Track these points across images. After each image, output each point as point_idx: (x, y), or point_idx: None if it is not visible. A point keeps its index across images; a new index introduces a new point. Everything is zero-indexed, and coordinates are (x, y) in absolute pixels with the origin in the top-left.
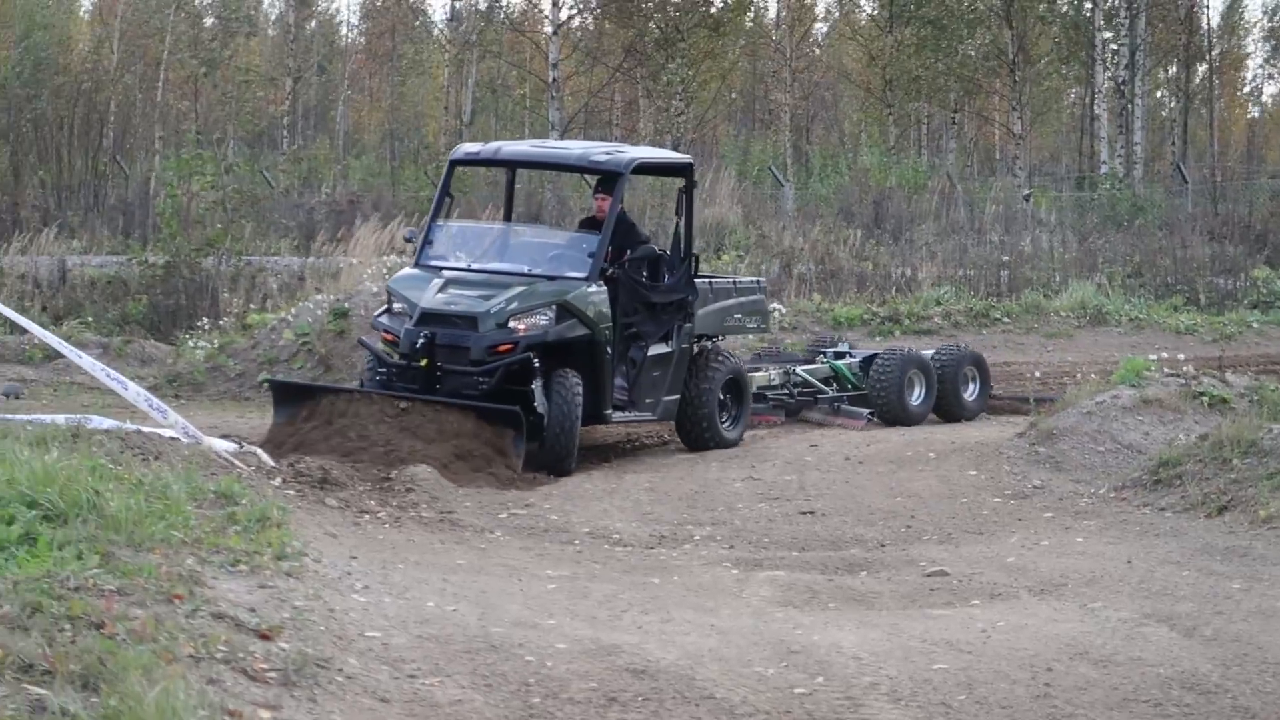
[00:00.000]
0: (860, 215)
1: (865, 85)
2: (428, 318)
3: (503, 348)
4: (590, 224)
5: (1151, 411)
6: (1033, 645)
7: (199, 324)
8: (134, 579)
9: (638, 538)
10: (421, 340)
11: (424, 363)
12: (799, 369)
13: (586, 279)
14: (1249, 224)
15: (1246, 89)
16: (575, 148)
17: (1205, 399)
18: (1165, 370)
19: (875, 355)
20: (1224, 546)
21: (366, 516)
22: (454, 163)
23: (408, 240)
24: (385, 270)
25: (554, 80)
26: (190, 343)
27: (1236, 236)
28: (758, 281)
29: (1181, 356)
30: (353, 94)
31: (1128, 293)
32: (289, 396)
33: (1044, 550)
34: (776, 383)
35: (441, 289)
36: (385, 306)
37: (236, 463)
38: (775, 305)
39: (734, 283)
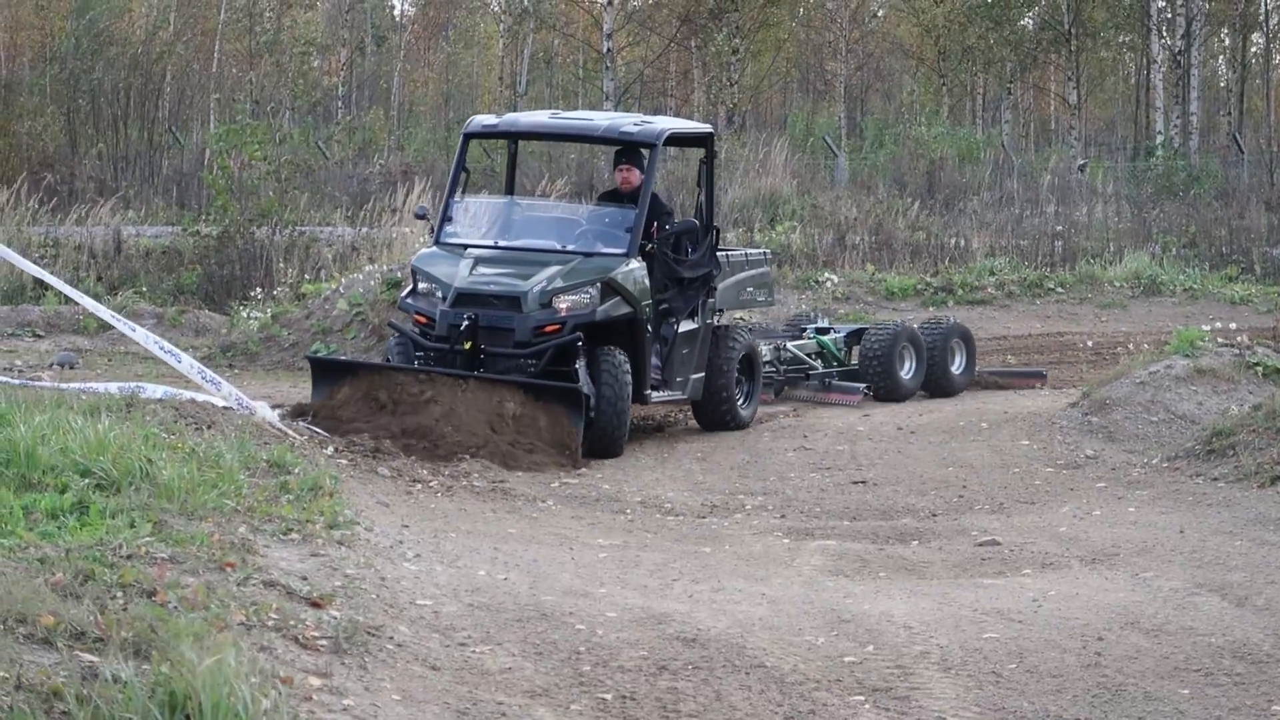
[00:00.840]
0: (914, 186)
1: (919, 56)
2: (464, 298)
3: (549, 328)
4: (611, 197)
5: (1205, 381)
6: (1084, 614)
7: (253, 294)
8: (186, 547)
9: (689, 507)
10: (465, 322)
11: (468, 346)
12: (789, 344)
13: (626, 255)
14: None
15: None
16: (599, 119)
17: (1259, 369)
18: (1219, 340)
19: (860, 330)
20: (1277, 517)
21: (418, 486)
22: (468, 135)
23: (419, 217)
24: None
25: (608, 50)
26: (244, 313)
27: None
28: (764, 253)
29: (1235, 326)
30: (408, 65)
31: (1182, 263)
32: (328, 374)
33: (1096, 520)
34: (767, 358)
35: (474, 268)
36: (410, 287)
37: (290, 432)
38: (829, 275)
39: (745, 255)
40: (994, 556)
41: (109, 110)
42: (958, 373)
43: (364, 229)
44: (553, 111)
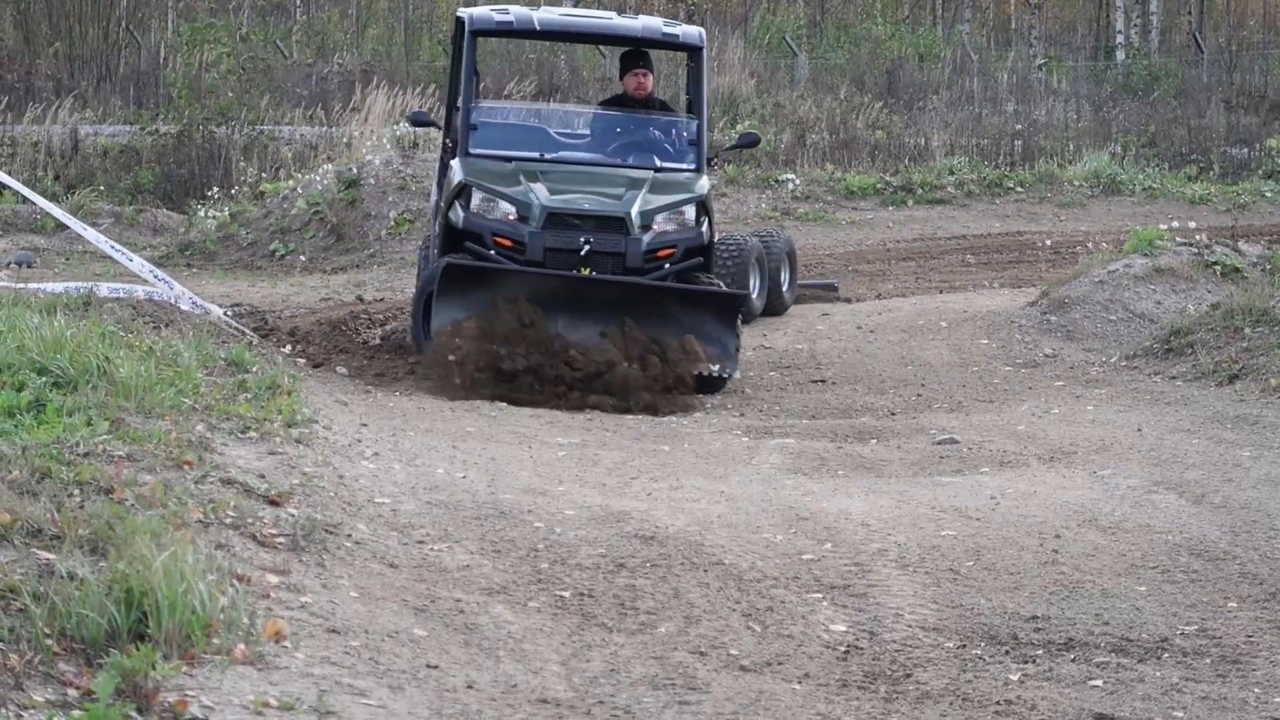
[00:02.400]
0: (874, 85)
1: None
2: (556, 219)
3: (663, 252)
4: (619, 102)
5: (1164, 280)
6: (1041, 512)
7: (210, 193)
8: (143, 445)
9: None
10: (586, 247)
11: (586, 271)
12: None
13: (696, 170)
14: (1265, 94)
15: None
16: (630, 19)
17: (1218, 268)
18: (1178, 239)
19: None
20: (1234, 415)
21: (377, 383)
22: (477, 32)
23: (420, 123)
24: (393, 140)
25: None
26: (202, 212)
27: (1252, 107)
28: None
29: (1194, 225)
30: None
31: (1142, 163)
32: (464, 284)
33: (1054, 418)
34: None
35: (551, 185)
36: (459, 204)
37: (247, 331)
38: (789, 175)
39: None
40: (952, 455)
41: (64, 8)
42: (786, 291)
43: (323, 128)
44: (567, 10)
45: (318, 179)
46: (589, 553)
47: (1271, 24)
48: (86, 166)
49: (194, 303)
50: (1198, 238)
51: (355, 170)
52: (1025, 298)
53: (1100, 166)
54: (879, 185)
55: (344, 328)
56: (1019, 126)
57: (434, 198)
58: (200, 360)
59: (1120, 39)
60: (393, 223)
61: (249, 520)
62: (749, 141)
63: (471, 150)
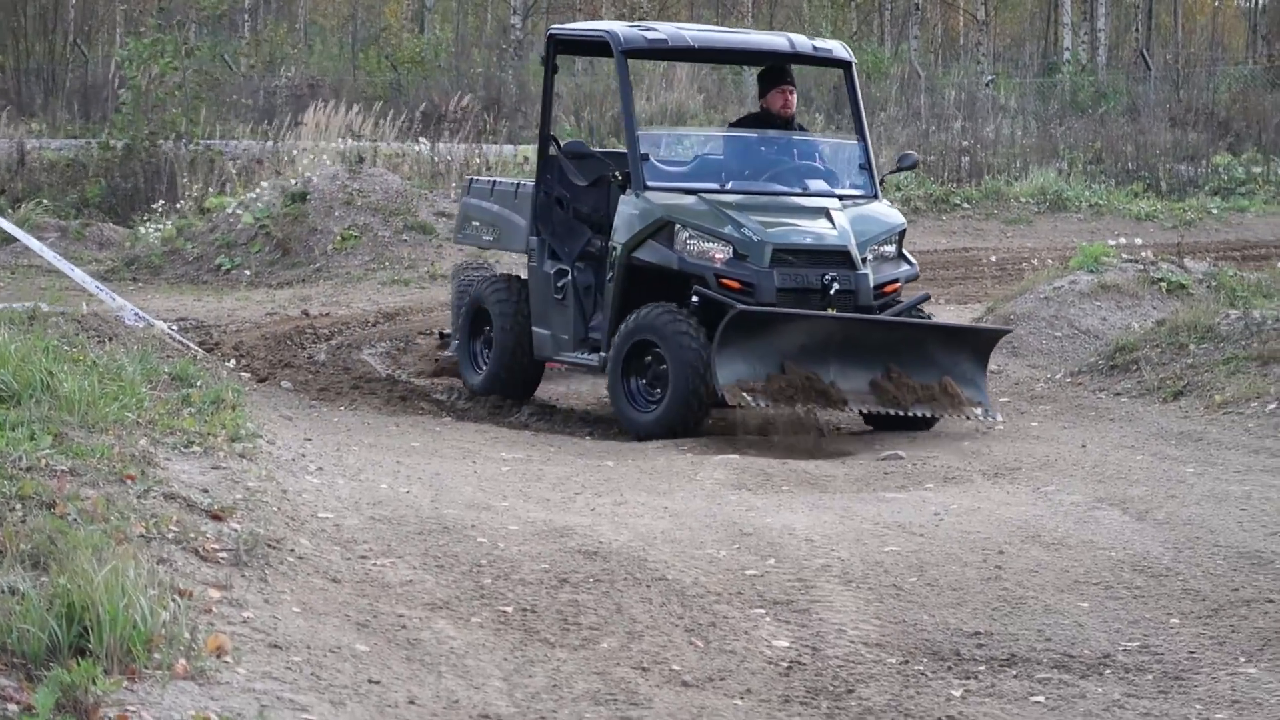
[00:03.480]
0: (821, 101)
1: None
2: (784, 255)
3: (890, 287)
4: (760, 122)
5: (1109, 297)
6: (985, 528)
7: (155, 207)
8: (86, 459)
9: (591, 419)
10: (835, 286)
11: (832, 311)
12: None
13: (873, 196)
14: (1211, 111)
15: None
16: (776, 35)
17: (1163, 285)
18: (1124, 256)
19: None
20: (1178, 431)
21: (322, 398)
22: (627, 53)
23: (577, 155)
24: (339, 155)
25: None
26: (147, 227)
27: (1199, 123)
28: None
29: (1140, 242)
30: None
31: (1088, 179)
32: (748, 332)
33: (998, 434)
34: None
35: (763, 219)
36: (658, 241)
37: (192, 345)
38: None
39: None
40: (896, 470)
41: (9, 22)
42: None
43: (269, 143)
44: (704, 27)
45: (264, 194)
46: (532, 568)
47: (1219, 41)
48: (33, 180)
49: (138, 317)
50: (1143, 254)
51: (301, 185)
52: (971, 314)
53: (1047, 183)
54: None
55: (289, 342)
56: (966, 143)
57: (529, 233)
58: (144, 375)
59: (1068, 55)
60: (339, 238)
61: (191, 535)
62: (909, 164)
63: (649, 183)
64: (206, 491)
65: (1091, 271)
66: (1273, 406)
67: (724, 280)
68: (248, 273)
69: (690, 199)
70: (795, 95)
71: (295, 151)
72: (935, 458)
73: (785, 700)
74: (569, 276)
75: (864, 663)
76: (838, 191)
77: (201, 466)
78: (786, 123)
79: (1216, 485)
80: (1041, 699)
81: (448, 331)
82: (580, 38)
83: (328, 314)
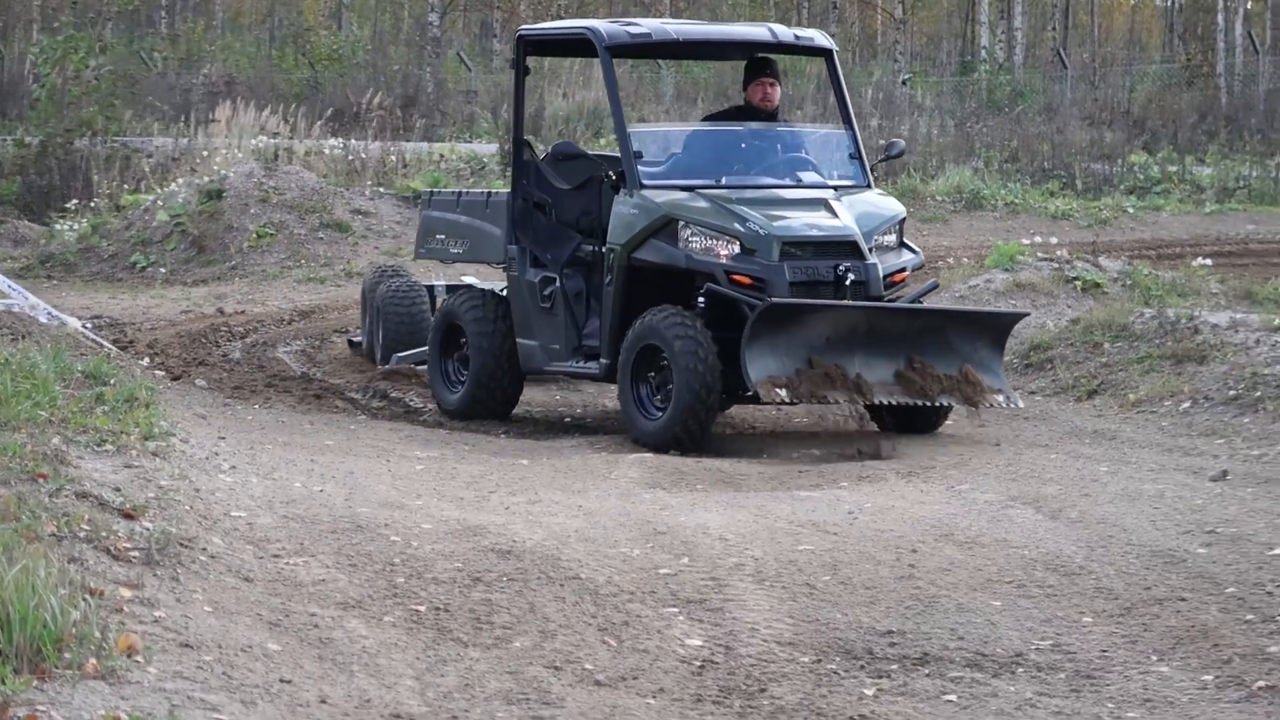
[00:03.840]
0: (737, 99)
1: None
2: (793, 248)
3: (897, 276)
4: (741, 115)
5: (1024, 295)
6: (899, 527)
7: (70, 205)
8: None
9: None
10: (850, 277)
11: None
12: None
13: (867, 185)
14: (1128, 110)
15: None
16: (755, 26)
17: (1078, 283)
18: (1039, 254)
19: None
20: (1092, 430)
21: (236, 396)
22: (614, 50)
23: (567, 156)
24: (255, 152)
25: None
26: (62, 224)
27: (1115, 122)
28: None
29: (1055, 241)
30: None
31: (1004, 177)
32: (775, 326)
33: (912, 432)
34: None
35: (763, 212)
36: (661, 240)
37: (105, 343)
38: None
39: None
40: (811, 469)
41: None
42: None
43: (185, 140)
44: (684, 21)
45: (179, 191)
46: (445, 567)
47: (1136, 40)
48: None
49: (51, 315)
50: (1059, 253)
51: (217, 183)
52: None
53: (963, 181)
54: None
55: (204, 340)
56: (883, 141)
57: (506, 241)
58: (57, 372)
59: (985, 54)
60: (254, 235)
61: (103, 534)
62: (896, 152)
63: (645, 182)
64: (119, 490)
65: (1007, 270)
66: (1186, 405)
67: (734, 276)
68: (163, 270)
69: (690, 195)
70: (778, 88)
71: (211, 149)
72: (847, 460)
73: (698, 699)
74: (557, 284)
75: (777, 661)
76: (830, 182)
77: (114, 465)
78: (769, 116)
79: (1130, 484)
80: (954, 698)
81: (356, 339)
82: (555, 37)
83: (243, 312)
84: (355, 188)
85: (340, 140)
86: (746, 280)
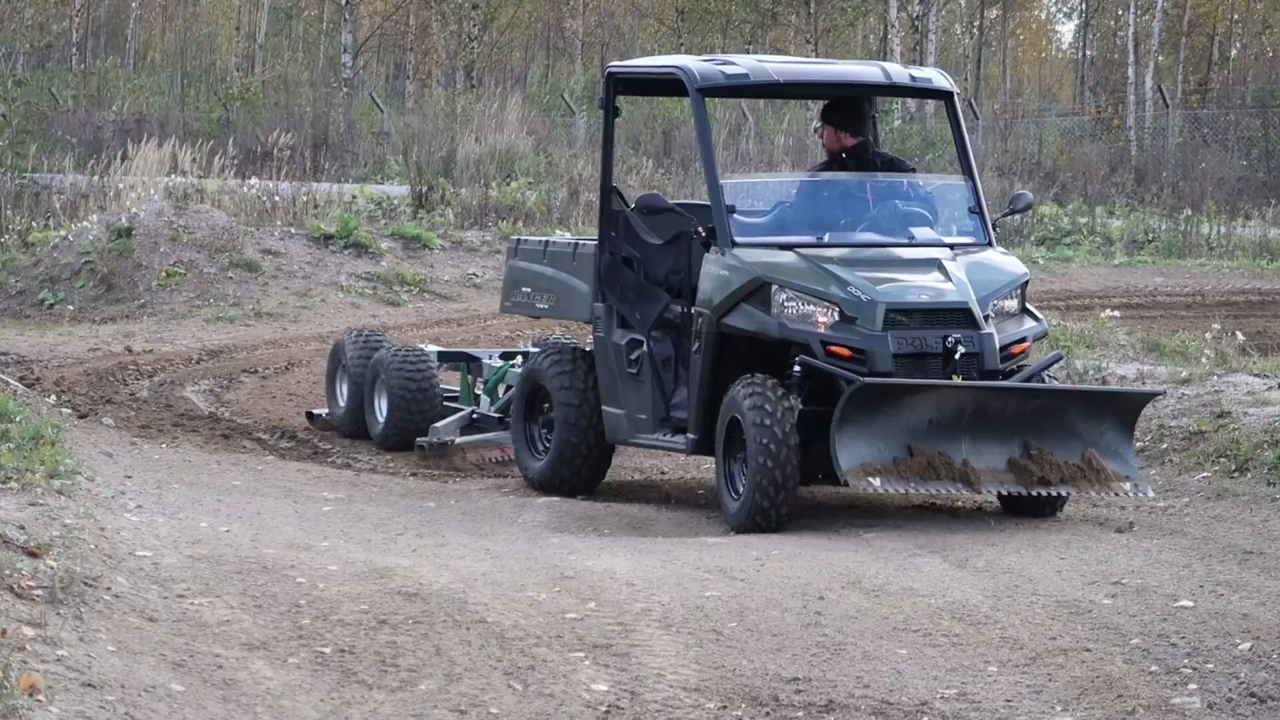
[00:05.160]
0: (649, 145)
1: (659, 16)
2: (899, 316)
3: (1017, 348)
4: (843, 163)
5: None
6: (806, 574)
7: None
8: None
9: (412, 461)
10: (960, 350)
11: (957, 378)
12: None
13: (987, 244)
14: (1038, 161)
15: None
16: (863, 66)
17: None
18: None
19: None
20: None
21: (144, 435)
22: (704, 92)
23: (655, 209)
24: (165, 191)
25: (348, 2)
26: None
27: (1026, 173)
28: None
29: None
30: (144, 12)
31: None
32: (869, 408)
33: (822, 480)
34: None
35: (870, 276)
36: (753, 305)
37: (11, 381)
38: (562, 232)
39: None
40: (719, 515)
41: None
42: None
43: (95, 177)
44: (784, 59)
45: (89, 229)
46: (351, 609)
47: (1047, 91)
48: None
49: None
50: None
51: (127, 221)
52: None
53: None
54: None
55: (111, 379)
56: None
57: (593, 299)
58: None
59: (896, 103)
60: (164, 274)
61: (6, 572)
62: (1023, 205)
63: (737, 239)
64: (23, 528)
65: None
66: None
67: (831, 347)
68: (71, 308)
69: (786, 255)
70: (848, 137)
71: (122, 186)
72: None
73: None
74: (644, 347)
75: (682, 707)
76: (947, 240)
77: (19, 503)
78: (854, 157)
79: (1036, 534)
80: None
81: (317, 411)
82: (644, 76)
83: (151, 350)
84: (266, 227)
85: (251, 179)
86: (845, 352)
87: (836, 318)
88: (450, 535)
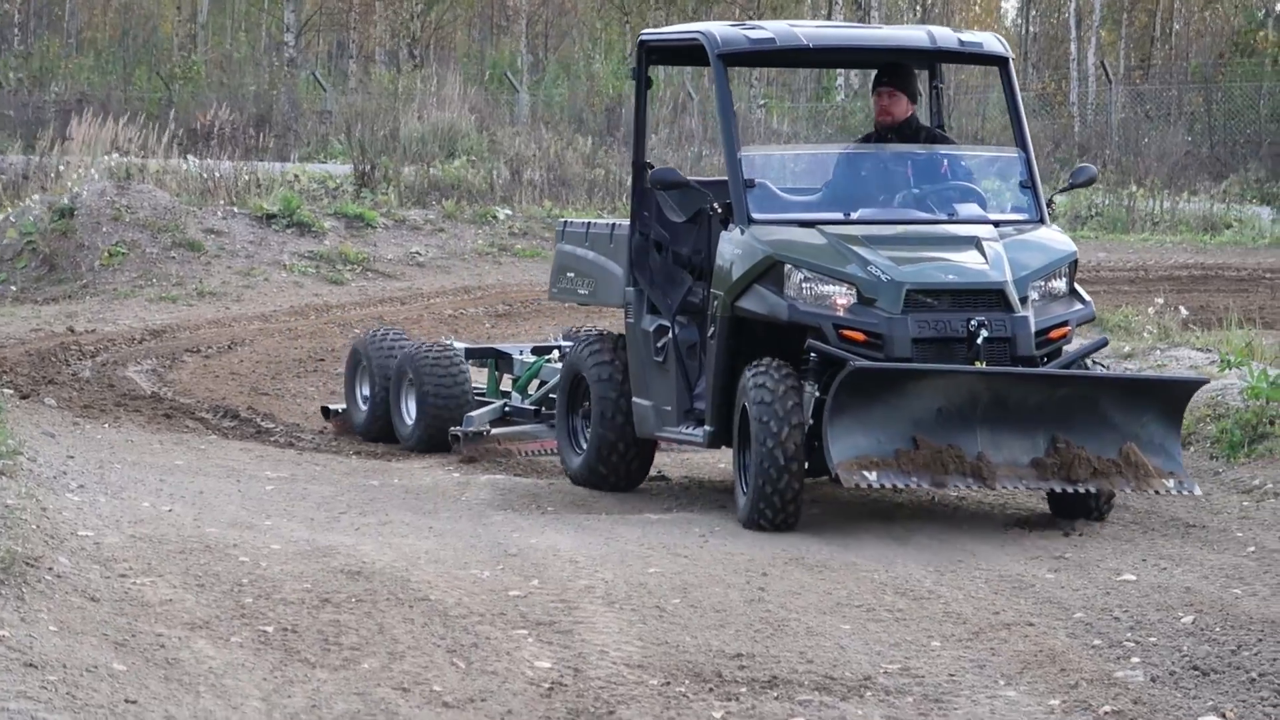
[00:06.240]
0: (592, 123)
1: None
2: (920, 298)
3: (1056, 333)
4: (870, 137)
5: None
6: (749, 550)
7: None
8: None
9: (358, 437)
10: (983, 333)
11: (980, 364)
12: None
13: (1039, 221)
14: (981, 137)
15: (983, 2)
16: (907, 30)
17: None
18: None
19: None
20: None
21: (86, 415)
22: (726, 59)
23: (668, 185)
24: (107, 170)
25: None
26: None
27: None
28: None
29: None
30: None
31: None
32: (866, 395)
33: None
34: None
35: (893, 255)
36: (765, 286)
37: None
38: (503, 210)
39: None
40: (663, 492)
41: None
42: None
43: (36, 157)
44: (810, 22)
45: (31, 208)
46: (294, 587)
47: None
48: None
49: None
50: None
51: (69, 200)
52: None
53: None
54: None
55: (54, 359)
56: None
57: (626, 282)
58: None
59: (841, 81)
60: (106, 254)
61: None
62: (1085, 179)
63: (755, 215)
64: None
65: None
66: None
67: (845, 331)
68: (13, 288)
69: (806, 232)
70: (901, 99)
71: (63, 166)
72: (701, 479)
73: None
74: (670, 334)
75: (625, 684)
76: (994, 216)
77: None
78: (898, 131)
79: (979, 509)
80: None
81: (334, 406)
82: (674, 44)
83: (94, 330)
84: (208, 207)
85: (194, 159)
86: (859, 336)
87: (855, 299)
88: (393, 513)
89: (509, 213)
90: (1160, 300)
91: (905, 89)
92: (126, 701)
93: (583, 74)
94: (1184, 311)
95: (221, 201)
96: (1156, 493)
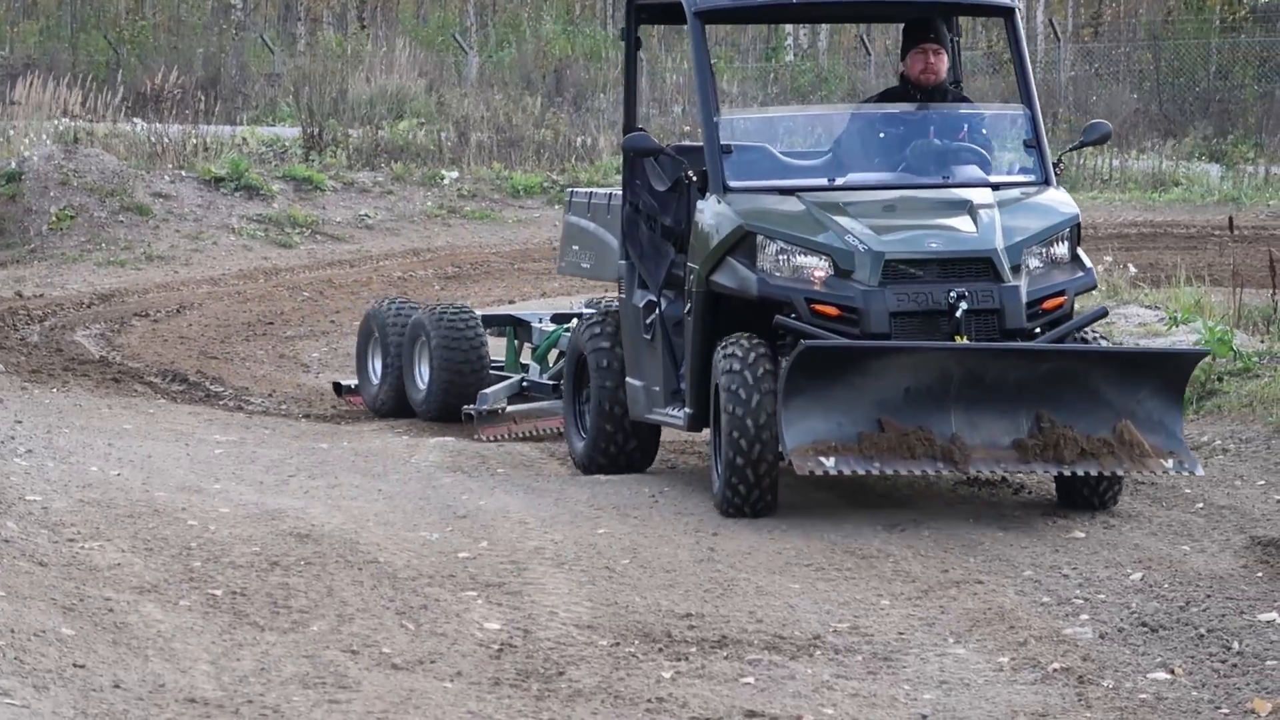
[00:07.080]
0: (541, 84)
1: None
2: (898, 268)
3: (1050, 302)
4: (899, 95)
5: None
6: (698, 510)
7: None
8: None
9: (308, 400)
10: (962, 305)
11: (961, 339)
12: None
13: (1044, 182)
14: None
15: None
16: None
17: None
18: None
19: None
20: None
21: (34, 380)
22: (703, 16)
23: (643, 151)
24: (55, 134)
25: None
26: None
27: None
28: None
29: None
30: None
31: None
32: (823, 375)
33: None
34: None
35: (869, 220)
36: (738, 258)
37: None
38: (450, 172)
39: None
40: None
41: None
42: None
43: None
44: None
45: None
46: (243, 551)
47: None
48: None
49: None
50: None
51: (16, 164)
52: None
53: None
54: (545, 184)
55: (1, 323)
56: (686, 128)
57: (620, 255)
58: None
59: (790, 40)
60: (54, 218)
61: None
62: (1099, 135)
63: (731, 183)
64: None
65: None
66: None
67: (817, 306)
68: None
69: (783, 200)
70: (944, 57)
71: (11, 131)
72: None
73: (495, 683)
74: (657, 310)
75: (575, 645)
76: (993, 179)
77: None
78: (931, 93)
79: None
80: (751, 680)
81: (345, 381)
82: (663, 1)
83: (41, 295)
84: (156, 170)
85: (141, 122)
86: (832, 310)
87: (831, 271)
88: (342, 476)
89: (457, 175)
90: (1109, 258)
91: (945, 45)
92: (75, 665)
93: (530, 35)
94: (1132, 269)
95: (170, 165)
96: (1154, 474)
